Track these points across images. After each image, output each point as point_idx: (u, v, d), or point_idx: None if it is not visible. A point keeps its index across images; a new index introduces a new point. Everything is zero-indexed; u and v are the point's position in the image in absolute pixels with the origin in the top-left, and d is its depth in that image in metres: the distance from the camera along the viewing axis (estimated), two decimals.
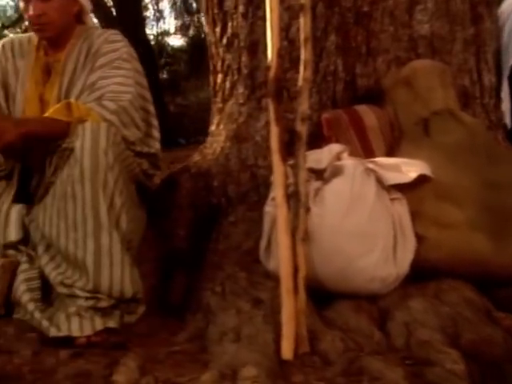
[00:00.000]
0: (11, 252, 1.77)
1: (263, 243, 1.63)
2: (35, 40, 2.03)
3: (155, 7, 15.06)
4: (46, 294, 1.67)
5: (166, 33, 15.43)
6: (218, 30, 2.10)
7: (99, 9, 13.25)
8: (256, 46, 1.95)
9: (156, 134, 1.96)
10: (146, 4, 14.32)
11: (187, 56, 15.26)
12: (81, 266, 1.60)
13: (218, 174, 1.95)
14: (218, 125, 2.10)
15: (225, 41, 2.07)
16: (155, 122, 1.98)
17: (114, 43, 1.94)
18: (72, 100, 1.80)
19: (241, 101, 1.99)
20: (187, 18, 15.12)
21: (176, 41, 15.54)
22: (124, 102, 1.83)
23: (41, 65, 2.00)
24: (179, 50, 15.49)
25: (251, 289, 1.58)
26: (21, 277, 1.66)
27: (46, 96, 1.96)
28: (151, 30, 14.78)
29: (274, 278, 1.58)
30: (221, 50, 2.10)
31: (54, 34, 1.94)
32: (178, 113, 14.97)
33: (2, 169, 1.86)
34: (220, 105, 2.10)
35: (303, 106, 1.55)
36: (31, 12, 1.88)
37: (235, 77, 2.02)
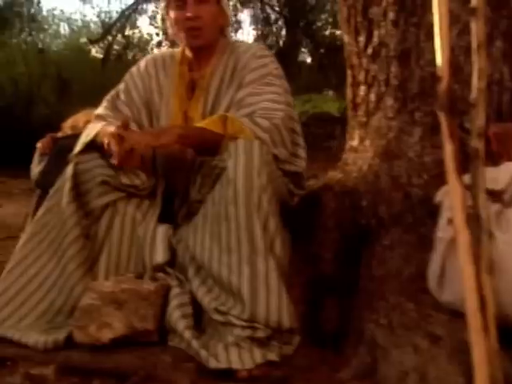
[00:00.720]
0: (160, 275, 1.70)
1: (434, 272, 1.48)
2: (178, 56, 2.00)
3: (234, 18, 15.25)
4: (196, 319, 1.59)
5: None
6: (361, 39, 1.97)
7: None
8: (407, 56, 1.81)
9: (302, 153, 1.88)
10: None
11: None
12: (235, 293, 1.52)
13: (366, 193, 1.81)
14: (361, 140, 1.96)
15: (370, 50, 1.94)
16: (301, 142, 1.90)
17: (263, 58, 1.87)
18: (228, 114, 1.73)
19: (390, 114, 1.84)
20: (265, 28, 15.21)
21: None
22: (276, 120, 1.76)
23: (185, 81, 1.96)
24: None
25: (423, 322, 1.43)
26: (174, 302, 1.58)
27: (190, 113, 1.92)
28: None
29: (447, 311, 1.44)
30: (364, 61, 1.97)
31: (205, 42, 1.90)
32: None
33: (145, 187, 1.81)
34: (363, 119, 1.97)
35: (479, 119, 1.39)
36: (188, 14, 1.84)
37: (382, 89, 1.89)
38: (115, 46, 14.47)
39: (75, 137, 2.35)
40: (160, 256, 1.74)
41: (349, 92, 2.10)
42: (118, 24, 14.24)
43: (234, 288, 1.52)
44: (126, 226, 1.78)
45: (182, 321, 1.54)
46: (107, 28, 14.16)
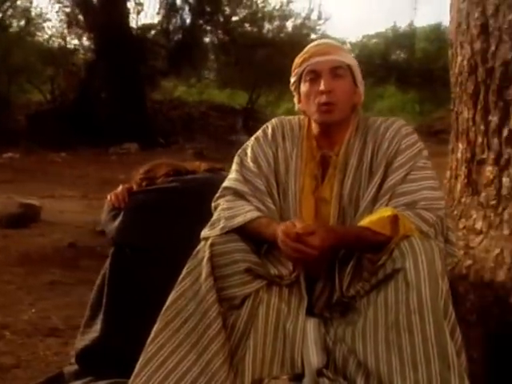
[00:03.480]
0: (324, 381, 1.52)
1: None
2: (305, 127, 1.80)
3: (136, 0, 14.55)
4: None
5: (146, 27, 14.98)
6: (493, 119, 1.88)
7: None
8: None
9: (453, 238, 1.73)
10: None
11: (166, 52, 14.89)
12: None
13: None
14: (491, 225, 1.88)
15: (505, 133, 1.86)
16: (451, 224, 1.75)
17: (409, 136, 1.71)
18: (399, 213, 1.56)
19: None
20: (169, 13, 14.70)
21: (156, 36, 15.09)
22: (440, 211, 1.63)
23: (315, 157, 1.76)
24: (158, 45, 15.06)
25: None
26: None
27: (323, 194, 1.74)
28: (131, 23, 14.36)
29: None
30: (495, 141, 1.88)
31: (337, 119, 1.72)
32: (152, 109, 14.63)
33: (290, 277, 1.62)
34: (492, 202, 1.89)
35: None
36: (323, 87, 1.67)
37: None
38: None
39: (154, 192, 2.08)
40: (315, 359, 1.57)
41: (457, 166, 2.01)
42: None
43: None
44: (270, 318, 1.59)
45: None
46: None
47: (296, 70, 1.76)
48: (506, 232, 1.83)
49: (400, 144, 1.69)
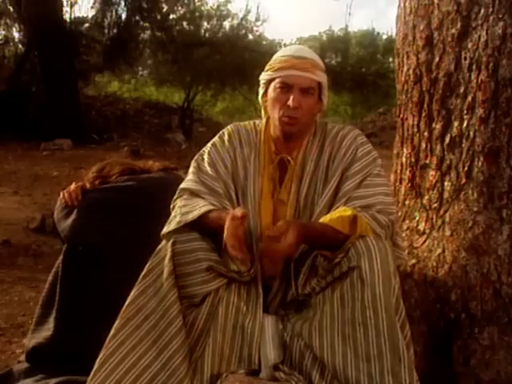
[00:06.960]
0: (281, 376, 1.59)
1: None
2: (262, 130, 1.84)
3: None
4: None
5: (80, 20, 14.63)
6: (437, 126, 1.99)
7: None
8: (497, 153, 1.87)
9: (401, 243, 1.82)
10: None
11: (100, 47, 14.60)
12: None
13: (454, 287, 1.84)
14: (433, 226, 1.98)
15: (447, 139, 1.97)
16: (399, 229, 1.84)
17: (364, 146, 1.80)
18: (358, 213, 1.63)
19: (475, 208, 1.89)
20: (104, 7, 14.42)
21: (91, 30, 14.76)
22: (392, 215, 1.72)
23: (273, 160, 1.82)
24: (93, 39, 14.75)
25: None
26: None
27: (281, 196, 1.80)
28: (64, 16, 13.96)
29: None
30: (438, 147, 1.99)
31: (298, 131, 1.79)
32: (86, 104, 14.30)
33: (249, 273, 1.67)
34: (434, 204, 1.99)
35: None
36: (291, 103, 1.71)
37: (462, 180, 1.93)
38: None
39: (109, 190, 2.07)
40: (272, 355, 1.62)
41: (407, 171, 2.11)
42: None
43: None
44: (229, 316, 1.64)
45: None
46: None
47: (269, 72, 1.78)
48: (447, 233, 1.94)
49: (356, 152, 1.77)
